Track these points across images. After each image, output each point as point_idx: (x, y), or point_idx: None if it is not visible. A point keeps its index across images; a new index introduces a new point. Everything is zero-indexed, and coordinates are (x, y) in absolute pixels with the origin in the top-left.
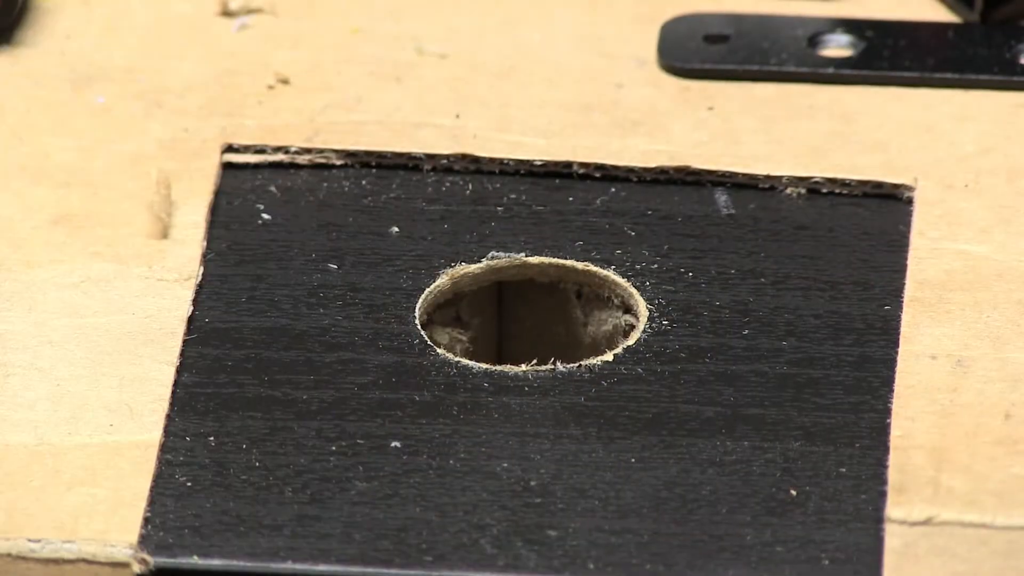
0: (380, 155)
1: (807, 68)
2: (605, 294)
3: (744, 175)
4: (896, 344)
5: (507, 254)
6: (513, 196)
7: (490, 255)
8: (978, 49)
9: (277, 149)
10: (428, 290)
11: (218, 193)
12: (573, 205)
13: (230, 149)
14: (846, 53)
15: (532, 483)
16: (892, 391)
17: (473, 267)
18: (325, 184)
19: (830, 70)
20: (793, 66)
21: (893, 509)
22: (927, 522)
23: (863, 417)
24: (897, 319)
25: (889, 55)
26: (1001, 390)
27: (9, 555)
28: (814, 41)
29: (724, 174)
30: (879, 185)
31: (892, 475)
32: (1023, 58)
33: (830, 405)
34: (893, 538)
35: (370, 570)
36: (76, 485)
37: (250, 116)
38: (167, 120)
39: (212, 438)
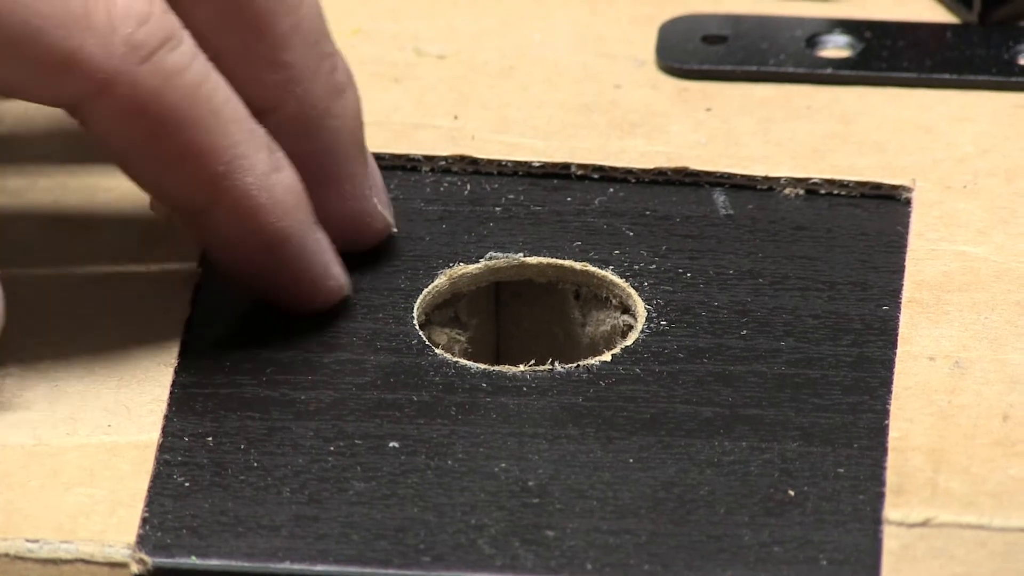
0: (378, 156)
1: (805, 69)
2: (603, 294)
3: (742, 176)
4: (894, 344)
5: (505, 254)
6: (511, 197)
7: (488, 255)
8: (976, 50)
9: None
10: (426, 290)
11: None
12: (571, 206)
13: None
14: (844, 54)
15: (530, 483)
16: (890, 391)
17: (471, 267)
18: None
19: (828, 71)
20: (791, 67)
21: (891, 511)
22: (925, 524)
23: (861, 417)
24: (895, 319)
25: (887, 56)
26: (999, 391)
27: (7, 555)
28: (812, 42)
29: (722, 175)
30: (877, 186)
31: (890, 477)
32: (1021, 59)
33: (828, 405)
34: (891, 540)
35: (368, 570)
36: (74, 485)
37: None
38: None
39: (210, 438)
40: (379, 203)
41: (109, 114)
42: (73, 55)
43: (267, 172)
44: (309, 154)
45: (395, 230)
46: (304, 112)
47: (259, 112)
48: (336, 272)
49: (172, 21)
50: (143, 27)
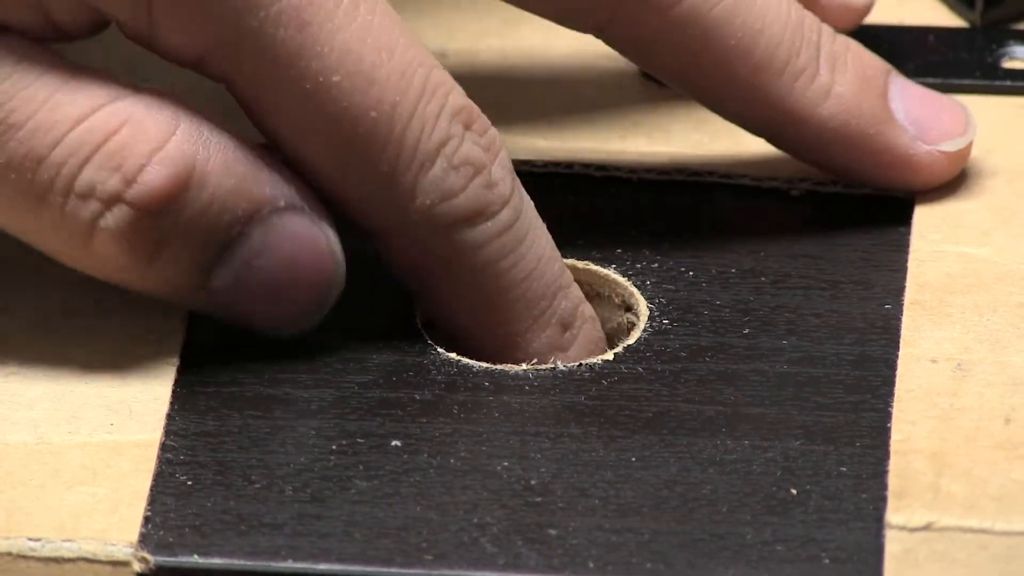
0: None
1: None
2: (606, 293)
3: (745, 175)
4: (896, 343)
5: None
6: None
7: None
8: (960, 54)
9: None
10: None
11: None
12: (574, 204)
13: None
14: None
15: (532, 482)
16: (892, 390)
17: None
18: None
19: None
20: None
21: (893, 515)
22: (927, 527)
23: (863, 416)
24: (897, 318)
25: None
26: (1001, 394)
27: (9, 554)
28: None
29: (725, 174)
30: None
31: (892, 480)
32: (1005, 62)
33: (830, 404)
34: (893, 543)
35: (370, 569)
36: (76, 484)
37: None
38: None
39: (212, 437)
40: (930, 142)
41: (394, 252)
42: (365, 199)
43: (544, 351)
44: (829, 152)
45: (971, 138)
46: (799, 133)
47: (764, 137)
48: None
49: (489, 196)
50: (448, 202)
